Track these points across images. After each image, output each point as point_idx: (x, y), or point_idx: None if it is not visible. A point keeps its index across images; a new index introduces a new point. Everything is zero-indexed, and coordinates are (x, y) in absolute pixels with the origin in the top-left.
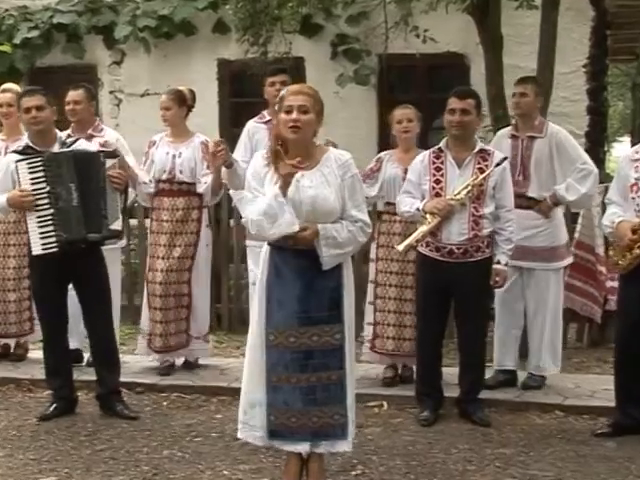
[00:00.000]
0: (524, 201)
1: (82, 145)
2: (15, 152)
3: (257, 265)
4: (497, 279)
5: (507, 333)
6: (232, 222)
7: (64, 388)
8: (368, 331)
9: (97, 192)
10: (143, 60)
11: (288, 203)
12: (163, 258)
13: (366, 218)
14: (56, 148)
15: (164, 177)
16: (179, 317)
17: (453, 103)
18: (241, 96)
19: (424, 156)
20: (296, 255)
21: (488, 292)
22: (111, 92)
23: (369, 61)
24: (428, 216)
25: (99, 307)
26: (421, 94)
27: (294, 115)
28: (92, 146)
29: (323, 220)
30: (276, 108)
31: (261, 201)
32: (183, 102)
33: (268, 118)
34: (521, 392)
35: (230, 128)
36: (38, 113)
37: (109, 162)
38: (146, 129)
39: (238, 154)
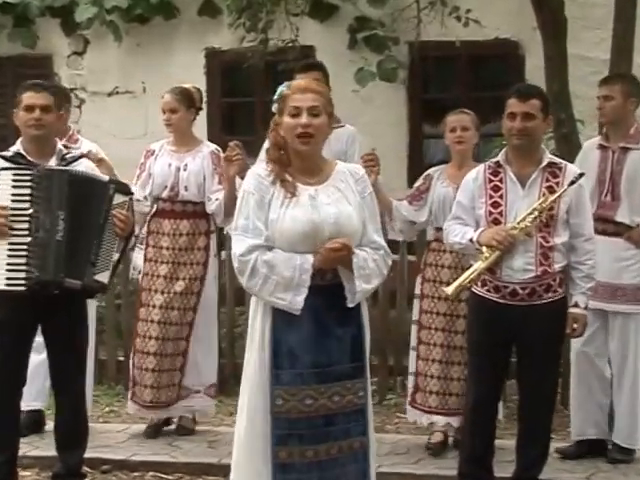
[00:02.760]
0: (611, 227)
1: (84, 165)
2: (2, 157)
3: None
4: (575, 326)
5: (588, 394)
6: (223, 254)
7: (3, 466)
8: (410, 382)
9: (91, 230)
10: (111, 50)
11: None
12: (162, 292)
13: (386, 245)
14: (53, 162)
15: (165, 195)
16: (174, 366)
17: (513, 105)
18: (235, 95)
19: (477, 173)
20: (315, 291)
21: (561, 343)
22: (71, 90)
23: (397, 51)
24: (484, 249)
25: (71, 371)
26: (463, 92)
27: (304, 119)
28: (96, 171)
29: None
30: (274, 109)
31: (277, 262)
32: (191, 103)
33: None
34: (598, 469)
35: (221, 135)
36: (42, 115)
37: (119, 198)
38: (114, 136)
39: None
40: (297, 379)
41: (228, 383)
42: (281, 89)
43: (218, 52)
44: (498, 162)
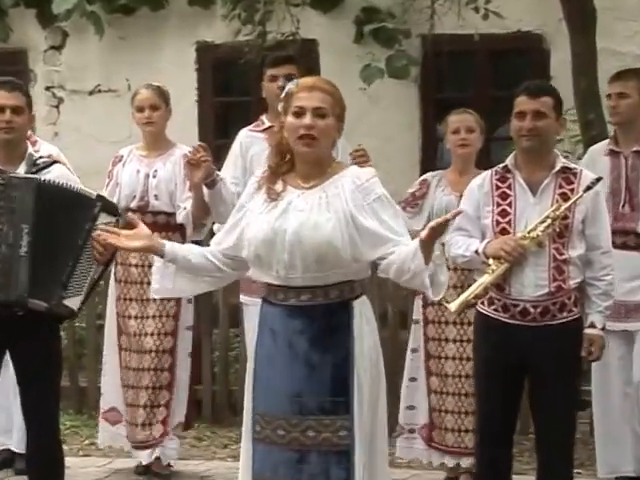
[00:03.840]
0: (632, 239)
1: (57, 172)
2: None
3: (249, 331)
4: (591, 349)
5: (614, 425)
6: None
7: None
8: (405, 419)
9: (66, 248)
10: (92, 44)
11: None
12: (135, 318)
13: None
14: (22, 169)
15: (133, 205)
16: (156, 402)
17: (522, 103)
18: (229, 94)
19: (484, 179)
20: (290, 313)
21: (578, 367)
22: (47, 88)
23: (408, 46)
24: (491, 262)
25: (42, 402)
26: (481, 91)
27: (307, 120)
28: (73, 177)
29: (317, 267)
30: (280, 109)
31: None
32: (168, 102)
33: (267, 125)
34: None
35: (214, 139)
36: (13, 117)
37: (104, 218)
38: (96, 140)
39: (227, 173)
40: (270, 406)
41: (222, 413)
42: (289, 86)
43: (211, 46)
44: (506, 167)
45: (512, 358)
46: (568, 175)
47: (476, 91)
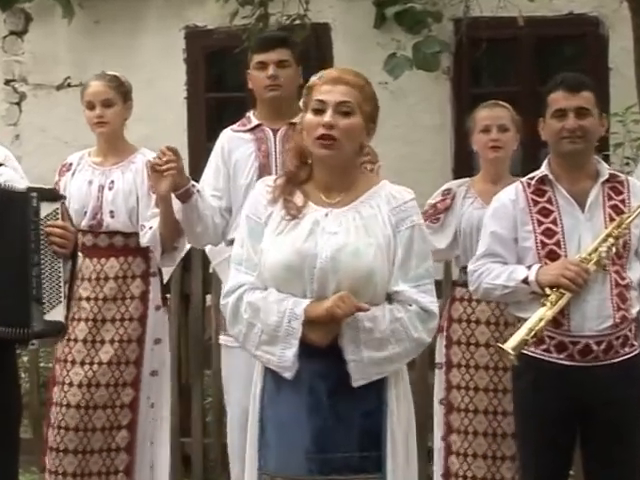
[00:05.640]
0: None
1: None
2: None
3: (233, 377)
4: None
5: None
6: (209, 299)
7: None
8: None
9: (18, 259)
10: (61, 29)
11: (301, 320)
12: (82, 364)
13: (429, 302)
14: None
15: (84, 224)
16: (110, 469)
17: (561, 100)
18: (225, 89)
19: (516, 191)
20: (309, 355)
21: None
22: (7, 82)
23: (439, 31)
24: (549, 291)
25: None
26: (525, 85)
27: (327, 117)
28: (16, 178)
29: (354, 296)
30: (301, 104)
31: (263, 305)
32: (127, 95)
33: (255, 123)
34: None
35: (207, 142)
36: None
37: (47, 207)
38: (65, 143)
39: (205, 183)
40: (282, 465)
41: (215, 471)
42: (312, 79)
43: (202, 32)
44: (542, 177)
45: (566, 407)
46: (614, 184)
47: (519, 85)
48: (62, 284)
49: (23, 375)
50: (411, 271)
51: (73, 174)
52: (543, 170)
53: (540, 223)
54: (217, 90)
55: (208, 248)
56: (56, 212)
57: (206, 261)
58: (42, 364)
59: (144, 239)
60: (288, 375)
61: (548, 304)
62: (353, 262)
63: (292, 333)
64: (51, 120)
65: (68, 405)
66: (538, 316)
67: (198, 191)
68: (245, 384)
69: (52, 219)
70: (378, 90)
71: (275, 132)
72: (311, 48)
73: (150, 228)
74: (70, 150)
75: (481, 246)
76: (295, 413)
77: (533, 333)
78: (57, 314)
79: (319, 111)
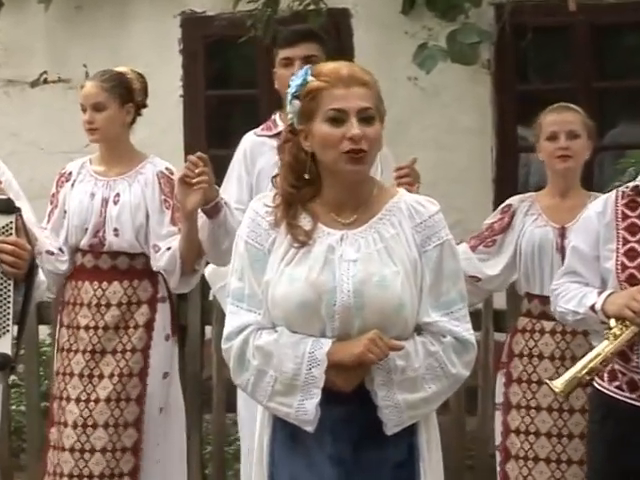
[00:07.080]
0: None
1: None
2: None
3: (251, 408)
4: None
5: None
6: (209, 331)
7: None
8: None
9: None
10: (37, 17)
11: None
12: (77, 401)
13: (464, 331)
14: None
15: (84, 243)
16: None
17: None
18: (227, 85)
19: (605, 202)
20: (329, 401)
21: None
22: None
23: (478, 18)
24: (613, 323)
25: None
26: (580, 81)
27: (355, 129)
28: None
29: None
30: (292, 110)
31: (276, 349)
32: (128, 96)
33: (282, 127)
34: None
35: (207, 148)
36: None
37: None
38: (41, 150)
39: (227, 194)
40: None
41: None
42: (302, 76)
43: (201, 19)
44: (638, 187)
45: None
46: None
47: (572, 81)
48: (10, 310)
49: None
50: (442, 297)
51: (73, 185)
52: (638, 179)
53: (625, 242)
54: (219, 86)
55: (208, 271)
56: (9, 226)
57: (205, 287)
58: (13, 407)
59: (160, 262)
60: (309, 429)
61: (611, 337)
62: (380, 295)
63: (313, 382)
64: (25, 122)
65: (62, 448)
66: (596, 351)
67: (226, 203)
68: None
69: (3, 234)
70: (407, 87)
71: None
72: (328, 38)
73: (168, 249)
74: (47, 157)
75: (566, 263)
76: (312, 464)
77: (587, 370)
78: (4, 344)
79: (337, 120)
